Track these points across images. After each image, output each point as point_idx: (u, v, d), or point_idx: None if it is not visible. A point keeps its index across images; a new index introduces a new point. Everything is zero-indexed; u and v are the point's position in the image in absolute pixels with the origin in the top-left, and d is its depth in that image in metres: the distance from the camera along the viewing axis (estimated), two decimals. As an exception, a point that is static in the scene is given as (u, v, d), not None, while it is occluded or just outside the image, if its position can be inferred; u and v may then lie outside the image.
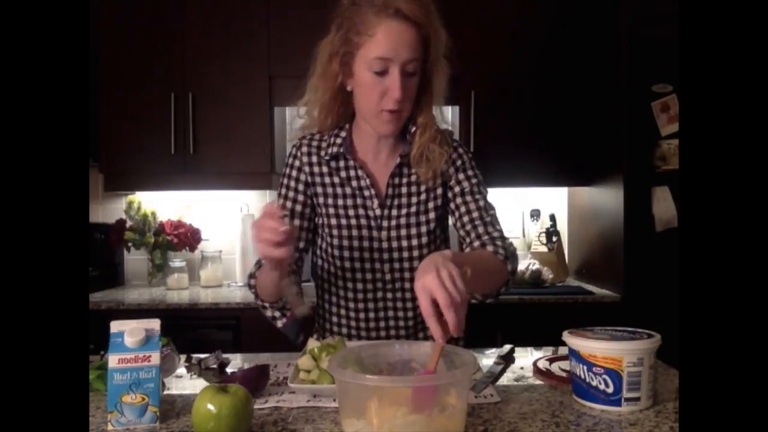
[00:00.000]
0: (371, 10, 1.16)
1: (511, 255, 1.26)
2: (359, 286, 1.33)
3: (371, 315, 1.35)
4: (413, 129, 1.29)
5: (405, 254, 1.31)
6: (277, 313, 1.29)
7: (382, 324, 1.35)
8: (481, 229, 1.28)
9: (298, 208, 1.34)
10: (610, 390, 0.95)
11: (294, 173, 1.35)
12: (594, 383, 0.96)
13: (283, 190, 1.35)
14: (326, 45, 1.25)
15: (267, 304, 1.30)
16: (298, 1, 2.66)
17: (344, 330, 1.38)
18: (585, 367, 0.96)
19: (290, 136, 3.04)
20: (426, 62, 1.21)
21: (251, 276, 1.35)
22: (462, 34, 2.68)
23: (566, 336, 1.02)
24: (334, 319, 1.40)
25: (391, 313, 1.35)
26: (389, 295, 1.34)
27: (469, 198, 1.31)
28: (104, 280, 2.91)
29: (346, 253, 1.31)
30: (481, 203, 1.31)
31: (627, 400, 0.95)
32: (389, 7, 1.15)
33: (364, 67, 1.19)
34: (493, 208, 1.33)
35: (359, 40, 1.18)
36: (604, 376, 0.94)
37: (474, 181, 1.33)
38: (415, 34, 1.17)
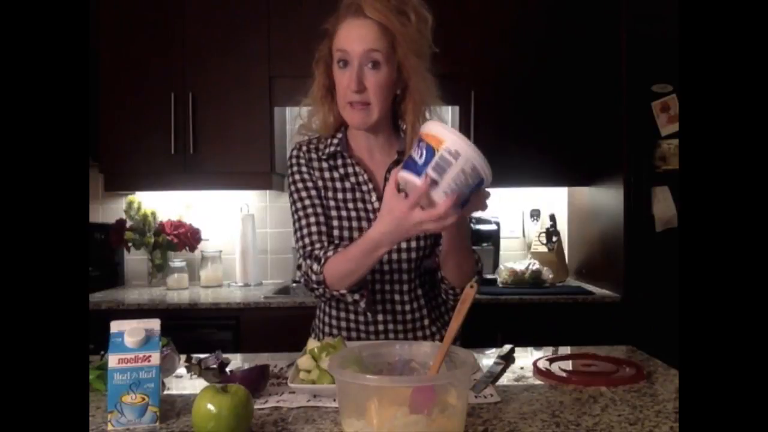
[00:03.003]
0: (342, 11, 1.28)
1: (480, 270, 1.36)
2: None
3: (377, 307, 1.37)
4: (404, 127, 1.36)
5: (403, 245, 1.33)
6: (357, 296, 1.28)
7: (380, 317, 1.37)
8: None
9: (324, 202, 1.36)
10: (421, 161, 0.98)
11: (304, 169, 1.38)
12: (413, 154, 1.00)
13: (303, 193, 1.36)
14: (317, 53, 1.35)
15: (344, 291, 1.27)
16: (298, 1, 2.66)
17: (342, 323, 1.40)
18: (416, 142, 1.01)
19: (290, 136, 3.05)
20: (394, 57, 1.27)
21: (316, 273, 1.28)
22: (462, 34, 2.69)
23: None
24: (333, 312, 1.42)
25: (388, 306, 1.37)
26: (387, 287, 1.36)
27: None
28: (104, 280, 2.91)
29: (346, 244, 1.32)
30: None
31: (428, 176, 0.98)
32: (352, 6, 1.26)
33: (334, 62, 1.29)
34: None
35: (331, 38, 1.30)
36: (423, 149, 0.98)
37: None
38: (372, 28, 1.24)
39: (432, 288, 1.42)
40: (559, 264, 2.86)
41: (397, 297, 1.37)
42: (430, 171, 0.98)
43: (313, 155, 1.39)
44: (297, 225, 1.36)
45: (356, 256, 1.20)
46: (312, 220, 1.34)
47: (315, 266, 1.28)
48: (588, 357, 1.30)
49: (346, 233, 1.34)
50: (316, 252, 1.30)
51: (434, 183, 0.98)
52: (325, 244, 1.31)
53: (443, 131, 0.98)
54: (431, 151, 0.97)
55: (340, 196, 1.36)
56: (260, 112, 2.73)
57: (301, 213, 1.36)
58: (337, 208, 1.36)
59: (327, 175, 1.38)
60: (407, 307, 1.38)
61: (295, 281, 2.92)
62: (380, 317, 1.37)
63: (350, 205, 1.36)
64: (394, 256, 1.34)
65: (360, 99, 1.26)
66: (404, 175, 1.01)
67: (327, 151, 1.38)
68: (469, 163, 0.97)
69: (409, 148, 1.31)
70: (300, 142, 1.43)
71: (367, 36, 1.24)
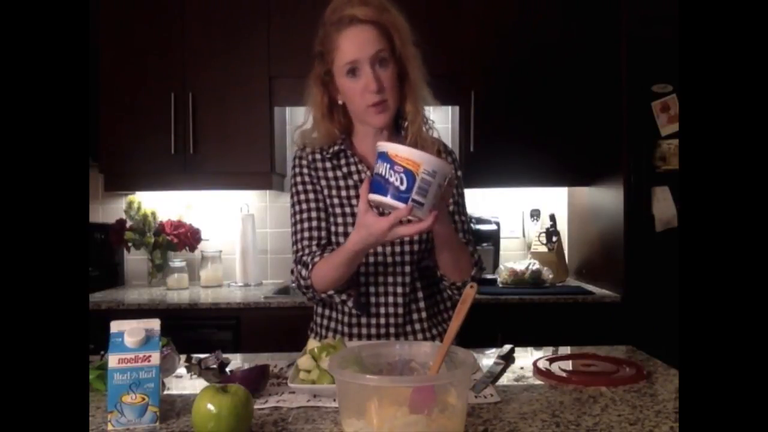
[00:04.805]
0: (332, 28, 1.31)
1: (478, 262, 1.39)
2: (362, 269, 1.38)
3: (372, 300, 1.39)
4: (405, 123, 1.40)
5: (397, 248, 1.37)
6: (344, 296, 1.36)
7: (381, 310, 1.39)
8: (461, 235, 1.41)
9: (321, 205, 1.41)
10: (404, 187, 1.03)
11: (305, 171, 1.42)
12: (391, 179, 1.04)
13: (302, 196, 1.41)
14: (311, 74, 1.39)
15: (332, 293, 1.35)
16: (298, 1, 2.66)
17: (339, 326, 1.42)
18: (388, 165, 1.04)
19: (290, 136, 3.05)
20: (395, 52, 1.32)
21: (304, 278, 1.34)
22: (462, 34, 2.69)
23: (379, 143, 1.09)
24: (326, 312, 1.45)
25: (391, 299, 1.39)
26: (390, 279, 1.39)
27: (453, 208, 1.41)
28: (104, 280, 2.91)
29: (333, 248, 1.36)
30: (463, 209, 1.45)
31: (414, 201, 1.04)
32: (344, 19, 1.30)
33: (341, 76, 1.33)
34: (467, 214, 1.48)
35: (330, 57, 1.33)
36: (402, 175, 1.03)
37: (460, 190, 1.47)
38: (373, 31, 1.30)
39: (430, 286, 1.43)
40: (559, 264, 2.86)
41: (390, 299, 1.39)
42: (415, 196, 1.03)
43: (317, 155, 1.43)
44: (293, 229, 1.42)
45: (338, 264, 1.27)
46: (306, 225, 1.39)
47: (303, 272, 1.34)
48: (588, 357, 1.30)
49: (350, 229, 1.36)
50: (305, 258, 1.36)
51: (418, 204, 1.03)
52: (314, 249, 1.36)
53: (416, 153, 1.03)
54: (411, 176, 1.02)
55: (343, 193, 1.40)
56: (260, 112, 2.73)
57: (297, 217, 1.41)
58: (341, 205, 1.39)
59: (330, 174, 1.42)
60: (400, 310, 1.39)
61: (294, 281, 2.92)
62: (374, 318, 1.39)
63: (353, 202, 1.39)
64: (388, 259, 1.37)
65: (380, 98, 1.31)
66: (385, 201, 1.05)
67: (331, 150, 1.41)
68: (443, 176, 1.05)
69: (412, 140, 1.37)
70: (302, 149, 1.46)
71: (370, 39, 1.29)
